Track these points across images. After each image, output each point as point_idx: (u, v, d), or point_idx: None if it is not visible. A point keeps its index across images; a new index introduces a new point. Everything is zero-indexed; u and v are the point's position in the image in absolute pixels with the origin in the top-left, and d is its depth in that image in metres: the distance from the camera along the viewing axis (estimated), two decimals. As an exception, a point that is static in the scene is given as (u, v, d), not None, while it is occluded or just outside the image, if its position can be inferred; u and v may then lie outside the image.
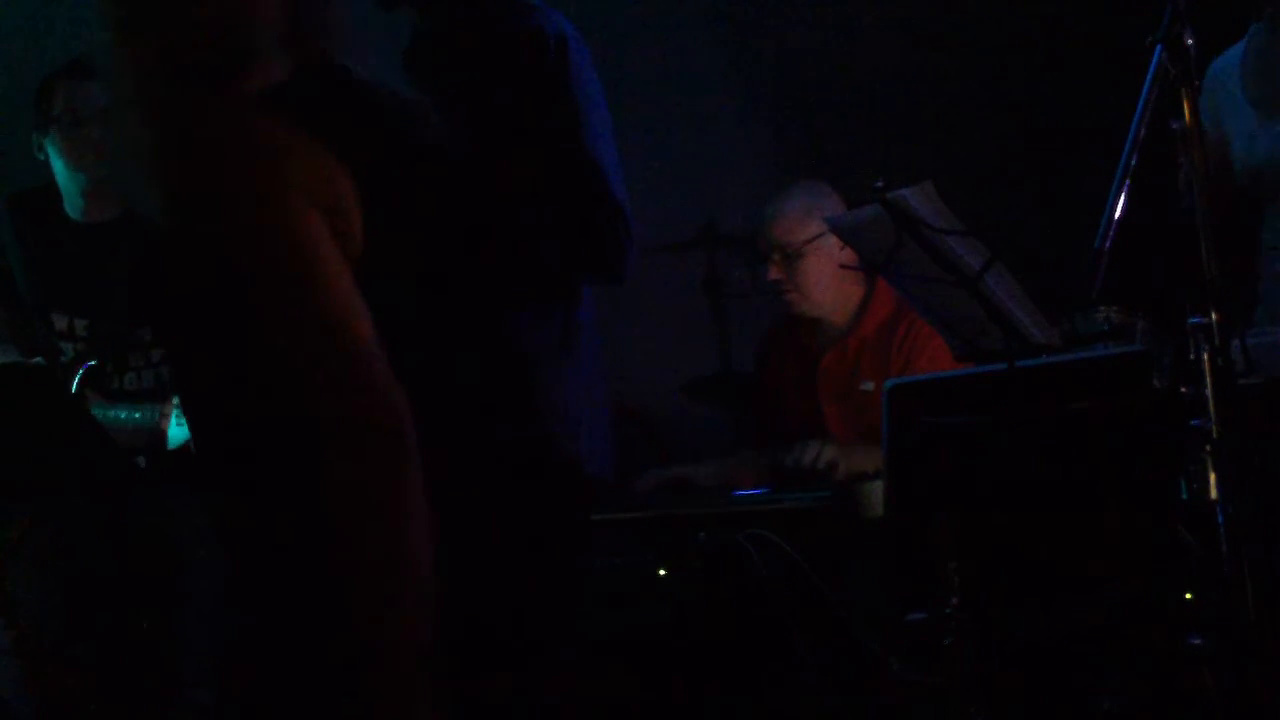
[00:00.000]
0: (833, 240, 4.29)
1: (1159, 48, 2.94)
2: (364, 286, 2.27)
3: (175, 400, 4.05)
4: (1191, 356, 2.99)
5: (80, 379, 4.09)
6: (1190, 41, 2.93)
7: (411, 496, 2.17)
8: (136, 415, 4.07)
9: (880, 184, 3.30)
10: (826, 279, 4.40)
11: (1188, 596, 3.29)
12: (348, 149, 2.24)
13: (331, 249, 2.17)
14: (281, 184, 2.16)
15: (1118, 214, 2.89)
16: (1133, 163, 2.91)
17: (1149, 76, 2.95)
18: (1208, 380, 2.91)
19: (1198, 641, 3.20)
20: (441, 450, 2.39)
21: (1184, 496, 3.26)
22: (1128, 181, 2.90)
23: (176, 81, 2.19)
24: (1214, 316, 2.88)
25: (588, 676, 3.04)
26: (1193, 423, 3.05)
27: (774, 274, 4.42)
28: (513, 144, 3.23)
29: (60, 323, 4.22)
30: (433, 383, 2.40)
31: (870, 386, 4.29)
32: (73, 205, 4.33)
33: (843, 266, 4.34)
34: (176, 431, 4.07)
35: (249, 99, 2.19)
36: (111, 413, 4.08)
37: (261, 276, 2.17)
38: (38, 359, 4.10)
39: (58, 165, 4.31)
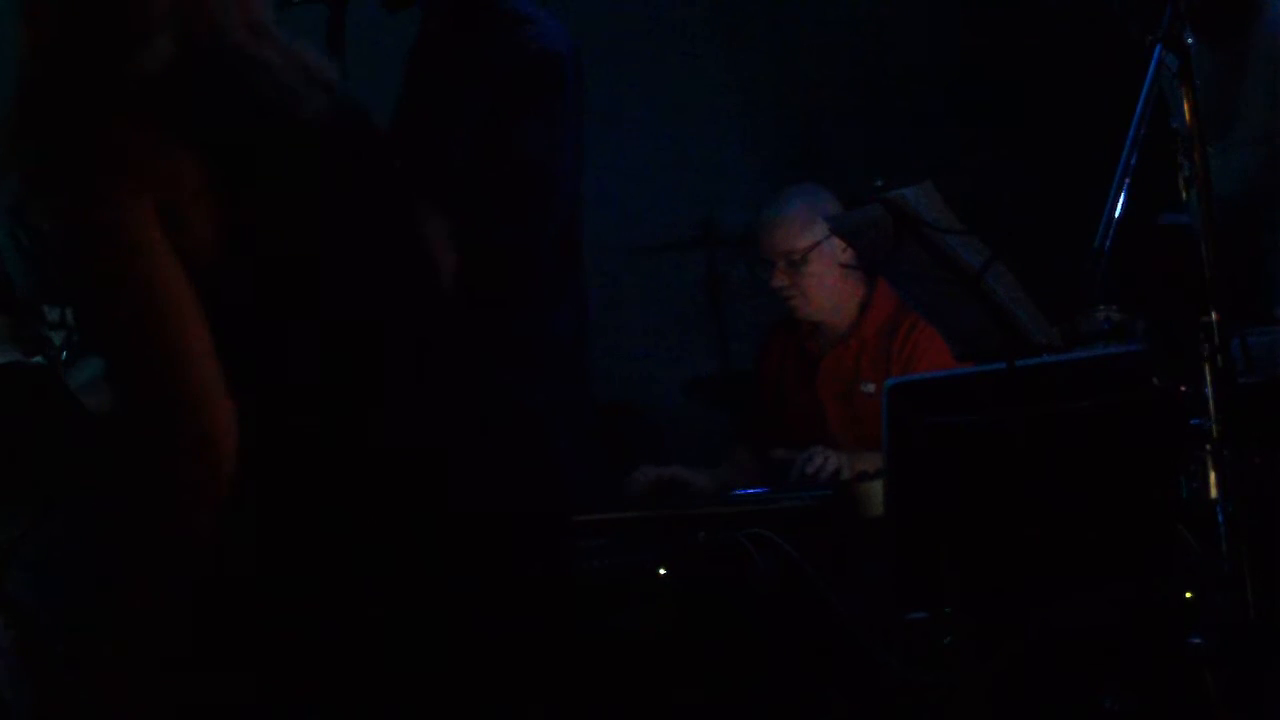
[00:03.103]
0: (834, 242, 4.29)
1: (1159, 47, 2.94)
2: (278, 282, 2.23)
3: None
4: (1191, 356, 2.99)
5: (68, 356, 4.08)
6: (1190, 41, 2.93)
7: (205, 518, 2.14)
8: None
9: (880, 184, 3.30)
10: (830, 282, 4.40)
11: (1188, 596, 3.29)
12: (233, 136, 2.18)
13: (159, 246, 2.12)
14: (113, 174, 2.12)
15: (1118, 214, 2.89)
16: (1133, 163, 2.91)
17: (1149, 76, 2.95)
18: (1208, 380, 2.91)
19: (1198, 641, 3.20)
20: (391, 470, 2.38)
21: (1184, 496, 3.26)
22: (1127, 181, 2.90)
23: (55, 67, 2.16)
24: (1214, 316, 2.88)
25: (587, 677, 3.04)
26: (1193, 422, 3.05)
27: (778, 281, 4.41)
28: (472, 144, 3.27)
29: (52, 314, 4.22)
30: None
31: (871, 388, 4.29)
32: None
33: (843, 266, 4.34)
34: None
35: (118, 85, 2.15)
36: (86, 371, 4.06)
37: (83, 273, 2.15)
38: (38, 359, 4.10)
39: None
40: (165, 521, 2.11)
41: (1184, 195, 2.95)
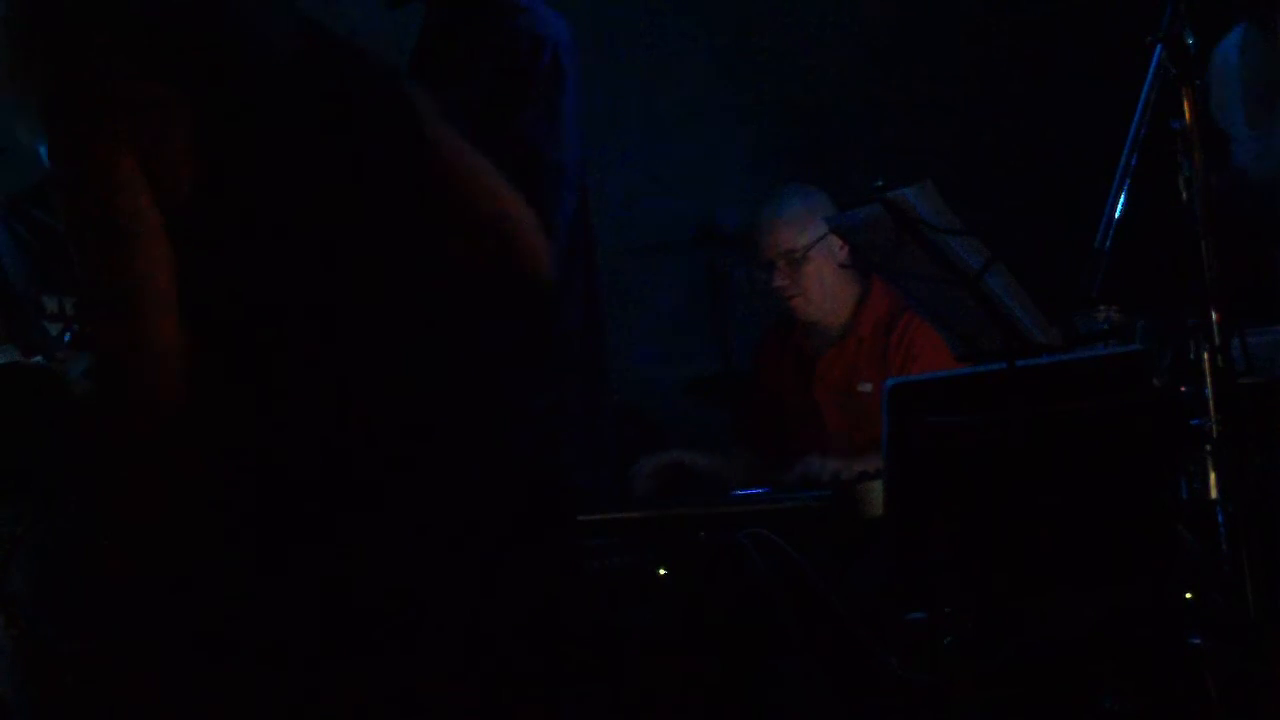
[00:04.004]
0: (833, 240, 4.29)
1: (1159, 47, 2.94)
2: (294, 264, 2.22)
3: None
4: (1191, 356, 2.99)
5: (70, 342, 4.08)
6: (1190, 41, 2.93)
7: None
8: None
9: (880, 184, 3.30)
10: (829, 280, 4.41)
11: (1188, 596, 3.29)
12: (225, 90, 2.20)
13: (135, 196, 2.15)
14: (96, 124, 2.15)
15: (1118, 214, 2.89)
16: (1133, 163, 2.91)
17: (1149, 76, 2.95)
18: (1208, 380, 2.91)
19: (1198, 641, 3.20)
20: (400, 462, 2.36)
21: (1184, 496, 3.26)
22: (1128, 181, 2.90)
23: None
24: (1214, 316, 2.88)
25: (588, 677, 3.04)
26: (1193, 422, 3.05)
27: (779, 280, 4.41)
28: (474, 138, 3.27)
29: (50, 305, 4.22)
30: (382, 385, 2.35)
31: (868, 387, 4.29)
32: None
33: (842, 266, 4.34)
34: None
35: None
36: (83, 363, 4.06)
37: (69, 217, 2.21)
38: (38, 359, 4.10)
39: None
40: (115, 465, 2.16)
41: (1184, 195, 2.95)
